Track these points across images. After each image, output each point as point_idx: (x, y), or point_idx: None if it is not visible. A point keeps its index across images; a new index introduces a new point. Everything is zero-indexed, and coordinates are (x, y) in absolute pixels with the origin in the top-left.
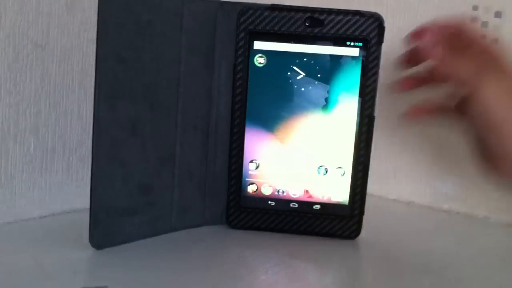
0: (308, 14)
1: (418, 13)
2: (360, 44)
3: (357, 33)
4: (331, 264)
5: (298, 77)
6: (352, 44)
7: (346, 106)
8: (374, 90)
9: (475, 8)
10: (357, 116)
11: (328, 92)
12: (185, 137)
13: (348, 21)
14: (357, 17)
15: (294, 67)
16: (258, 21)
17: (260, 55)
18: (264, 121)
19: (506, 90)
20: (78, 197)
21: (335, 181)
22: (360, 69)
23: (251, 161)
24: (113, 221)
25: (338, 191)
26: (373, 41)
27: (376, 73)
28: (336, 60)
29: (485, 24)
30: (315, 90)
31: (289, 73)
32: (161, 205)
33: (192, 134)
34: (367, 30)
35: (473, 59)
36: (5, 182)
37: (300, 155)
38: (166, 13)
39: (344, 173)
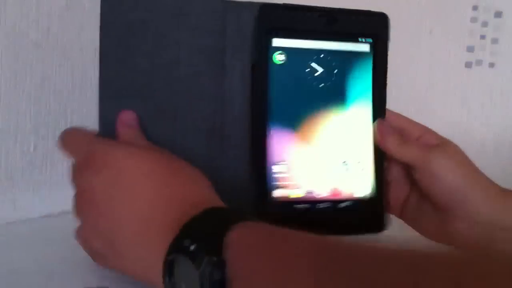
0: (322, 12)
1: (419, 12)
2: (371, 40)
3: (368, 29)
4: None
5: (316, 74)
6: (363, 40)
7: (362, 100)
8: (385, 84)
9: (475, 8)
10: (372, 110)
11: (345, 87)
12: (187, 141)
13: (359, 18)
14: (367, 15)
15: (312, 64)
16: (276, 19)
17: (280, 52)
18: (287, 121)
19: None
20: None
21: (357, 177)
22: (372, 64)
23: (276, 164)
24: None
25: (361, 187)
26: (381, 38)
27: (385, 68)
28: (350, 56)
29: (485, 24)
30: (333, 86)
31: (307, 70)
32: None
33: (197, 138)
34: (376, 27)
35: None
36: (5, 182)
37: (324, 153)
38: (163, 12)
39: (364, 168)
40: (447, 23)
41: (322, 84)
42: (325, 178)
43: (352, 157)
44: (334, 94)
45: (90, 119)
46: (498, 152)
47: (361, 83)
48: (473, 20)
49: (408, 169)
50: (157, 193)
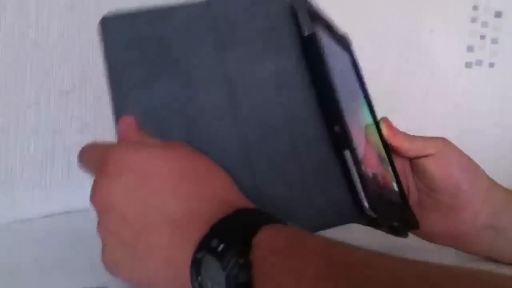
0: (323, 20)
1: (419, 12)
2: (348, 52)
3: (345, 43)
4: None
5: (339, 67)
6: (345, 51)
7: (361, 97)
8: (365, 84)
9: (475, 8)
10: (367, 105)
11: (357, 88)
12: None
13: (339, 34)
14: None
15: (336, 57)
16: (308, 8)
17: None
18: (342, 101)
19: None
20: (78, 197)
21: (390, 171)
22: (355, 71)
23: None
24: None
25: (394, 181)
26: (351, 51)
27: (361, 72)
28: (348, 61)
29: (485, 24)
30: (349, 84)
31: (338, 60)
32: None
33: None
34: (348, 43)
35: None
36: (5, 182)
37: (371, 142)
38: (185, 22)
39: (388, 164)
40: (447, 23)
41: (345, 79)
42: (380, 167)
43: (381, 151)
44: (353, 90)
45: (90, 119)
46: (498, 152)
47: (357, 86)
48: (473, 20)
49: (412, 163)
50: (186, 194)
